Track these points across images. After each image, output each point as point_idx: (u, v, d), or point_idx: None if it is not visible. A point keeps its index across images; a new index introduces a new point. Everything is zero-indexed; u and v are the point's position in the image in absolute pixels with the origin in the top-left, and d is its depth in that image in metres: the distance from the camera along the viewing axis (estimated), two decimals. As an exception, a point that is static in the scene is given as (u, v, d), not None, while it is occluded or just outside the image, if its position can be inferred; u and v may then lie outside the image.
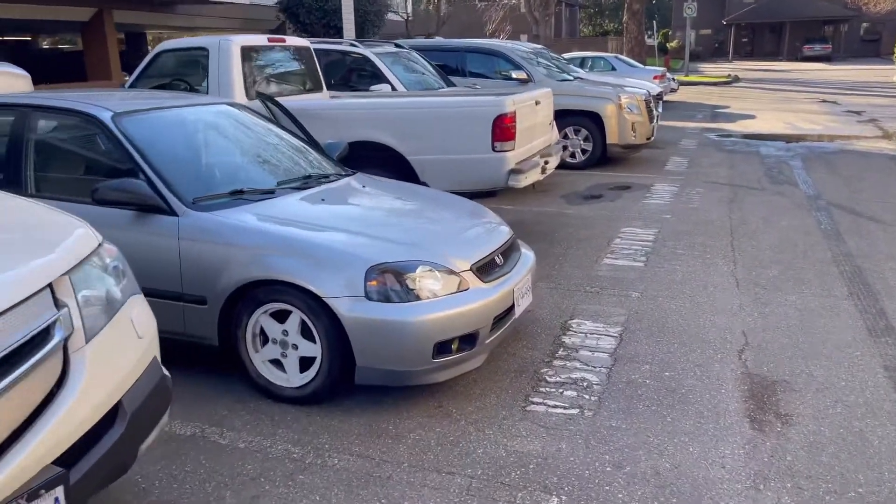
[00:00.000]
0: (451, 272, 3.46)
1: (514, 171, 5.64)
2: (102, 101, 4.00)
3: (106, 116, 3.84)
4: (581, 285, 5.21)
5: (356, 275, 3.29)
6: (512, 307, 3.73)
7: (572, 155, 10.40)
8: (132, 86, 6.64)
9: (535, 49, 12.72)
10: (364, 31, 19.57)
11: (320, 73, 7.47)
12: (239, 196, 3.78)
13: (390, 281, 3.31)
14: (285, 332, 3.44)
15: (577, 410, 3.42)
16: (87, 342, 2.00)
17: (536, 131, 6.32)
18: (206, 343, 3.61)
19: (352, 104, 6.03)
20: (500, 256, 3.85)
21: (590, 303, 4.84)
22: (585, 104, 10.16)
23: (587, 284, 5.22)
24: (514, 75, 10.33)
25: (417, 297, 3.33)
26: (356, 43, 8.67)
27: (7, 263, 1.92)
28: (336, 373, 3.38)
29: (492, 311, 3.54)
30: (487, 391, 3.62)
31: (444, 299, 3.38)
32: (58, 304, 1.97)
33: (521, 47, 11.36)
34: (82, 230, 2.27)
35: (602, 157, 10.34)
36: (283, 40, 6.96)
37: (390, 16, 22.60)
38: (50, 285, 1.97)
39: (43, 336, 1.89)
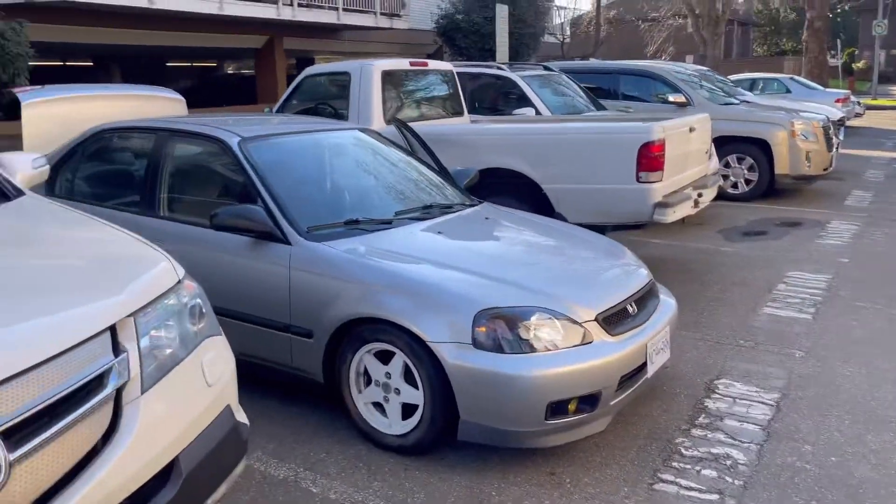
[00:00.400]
0: (573, 322, 3.06)
1: (661, 205, 5.11)
2: (233, 127, 4.00)
3: (234, 142, 3.83)
4: (733, 337, 4.58)
5: (464, 319, 2.99)
6: (644, 365, 3.27)
7: (734, 185, 9.53)
8: (280, 110, 6.80)
9: (697, 70, 11.92)
10: (519, 54, 19.44)
11: (462, 98, 7.30)
12: (354, 226, 3.61)
13: (501, 328, 2.97)
14: (388, 375, 3.20)
15: (717, 496, 2.89)
16: (143, 391, 1.83)
17: (690, 160, 5.74)
18: (310, 378, 3.45)
19: (485, 129, 5.78)
20: (634, 304, 3.40)
21: (742, 360, 4.22)
22: (751, 130, 9.29)
23: (741, 337, 4.58)
24: (671, 98, 9.66)
25: (532, 349, 2.97)
26: (502, 66, 8.45)
27: (69, 301, 1.80)
28: (439, 424, 3.08)
29: (619, 369, 3.10)
30: (609, 460, 3.17)
31: (563, 353, 2.99)
32: (118, 348, 1.82)
33: (680, 69, 10.66)
34: (164, 265, 2.15)
35: (769, 188, 9.38)
36: (426, 64, 6.87)
37: (547, 38, 22.34)
38: (113, 327, 1.83)
39: (96, 384, 1.74)
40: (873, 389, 3.80)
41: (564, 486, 2.98)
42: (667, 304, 3.68)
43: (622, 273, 3.57)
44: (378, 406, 3.28)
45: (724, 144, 9.45)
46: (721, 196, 9.40)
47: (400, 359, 3.13)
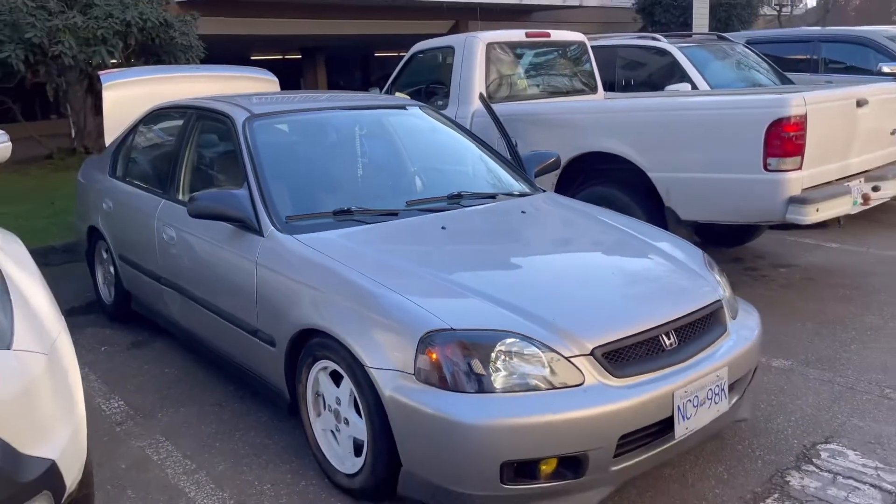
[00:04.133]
0: (556, 354, 2.27)
1: (798, 200, 3.90)
2: (250, 103, 3.63)
3: (241, 117, 3.45)
4: (878, 384, 3.35)
5: (408, 341, 2.32)
6: (670, 421, 2.36)
7: (969, 178, 7.46)
8: (388, 90, 6.40)
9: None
10: (729, 27, 17.39)
11: (596, 72, 6.39)
12: (345, 216, 3.06)
13: (453, 356, 2.26)
14: (338, 401, 2.63)
15: None
16: None
17: (859, 144, 4.38)
18: (278, 391, 2.98)
19: (584, 106, 4.89)
20: (674, 335, 2.48)
21: (876, 418, 3.03)
22: None
23: (891, 384, 3.34)
24: (886, 69, 7.81)
25: (489, 387, 2.23)
26: (659, 37, 7.33)
27: None
28: (381, 471, 2.45)
29: (619, 425, 2.24)
30: (605, 546, 2.32)
31: (530, 397, 2.22)
32: None
33: (906, 32, 8.61)
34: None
35: None
36: (547, 35, 6.06)
37: (768, 10, 19.79)
38: None
39: None
40: None
41: (524, 577, 2.20)
42: (737, 338, 2.68)
43: (664, 293, 2.64)
44: (334, 435, 2.72)
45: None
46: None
47: (348, 383, 2.54)
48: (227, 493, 2.69)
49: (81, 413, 2.04)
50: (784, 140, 3.89)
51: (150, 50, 9.14)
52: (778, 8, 18.65)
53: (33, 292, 2.13)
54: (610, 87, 7.32)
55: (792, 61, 8.75)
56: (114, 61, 8.56)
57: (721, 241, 5.89)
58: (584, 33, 6.58)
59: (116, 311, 4.51)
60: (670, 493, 2.58)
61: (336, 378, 2.63)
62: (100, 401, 3.49)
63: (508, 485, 2.22)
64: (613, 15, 19.65)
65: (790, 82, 7.57)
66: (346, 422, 2.59)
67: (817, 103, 3.96)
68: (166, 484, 2.77)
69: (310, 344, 2.68)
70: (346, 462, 2.64)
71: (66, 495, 1.99)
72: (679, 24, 17.04)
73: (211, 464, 2.89)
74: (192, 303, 3.47)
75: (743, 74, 7.39)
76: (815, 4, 20.82)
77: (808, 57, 8.64)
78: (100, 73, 4.92)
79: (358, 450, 2.58)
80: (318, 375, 2.70)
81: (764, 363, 3.61)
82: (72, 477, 1.98)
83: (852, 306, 4.37)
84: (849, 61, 8.40)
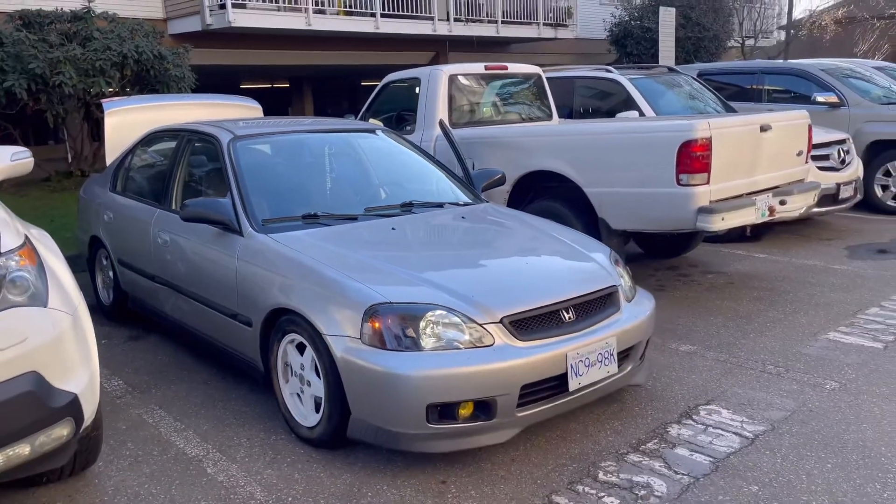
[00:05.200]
0: (472, 321, 2.88)
1: (706, 210, 4.55)
2: (234, 126, 4.26)
3: (225, 139, 4.07)
4: (763, 362, 3.97)
5: (356, 313, 2.92)
6: (564, 377, 2.97)
7: (895, 197, 8.20)
8: (362, 116, 7.06)
9: (877, 66, 10.45)
10: (696, 58, 18.30)
11: (551, 101, 7.07)
12: (312, 220, 3.68)
13: (392, 324, 2.86)
14: (302, 367, 3.22)
15: (597, 528, 2.54)
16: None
17: (764, 163, 5.05)
18: (255, 365, 3.56)
19: (528, 130, 5.54)
20: (572, 311, 3.10)
21: (753, 387, 3.65)
22: (914, 132, 7.93)
23: (774, 363, 3.96)
24: (820, 99, 8.57)
25: (418, 347, 2.83)
26: (611, 69, 8.04)
27: None
28: (336, 420, 3.03)
29: (520, 376, 2.85)
30: (513, 476, 2.91)
31: (451, 354, 2.82)
32: None
33: (842, 65, 9.38)
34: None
35: (941, 200, 7.96)
36: (505, 67, 6.75)
37: (754, 41, 20.73)
38: None
39: None
40: (897, 434, 3.10)
41: (446, 497, 2.79)
42: (626, 315, 3.30)
43: (567, 277, 3.26)
44: (299, 397, 3.31)
45: (884, 150, 8.20)
46: (878, 209, 8.19)
47: (310, 351, 3.14)
48: (210, 444, 3.26)
49: (96, 363, 2.63)
50: (693, 159, 4.55)
51: (145, 80, 9.78)
52: (741, 40, 19.57)
53: (61, 272, 2.72)
54: (568, 114, 8.04)
55: (739, 91, 9.50)
56: (111, 90, 9.20)
57: (662, 252, 6.56)
58: (559, 64, 7.28)
59: (115, 310, 5.08)
60: (573, 440, 3.17)
61: (301, 349, 3.22)
62: (102, 380, 4.05)
63: (433, 424, 2.81)
64: (588, 46, 20.52)
65: (733, 111, 8.28)
66: (309, 384, 3.18)
67: (721, 128, 4.64)
68: (159, 439, 3.34)
69: (280, 321, 3.28)
70: (308, 418, 3.23)
71: (83, 426, 2.57)
72: (650, 55, 17.90)
73: (197, 424, 3.47)
74: (183, 296, 4.06)
75: (689, 104, 8.10)
76: (781, 38, 21.83)
77: (753, 87, 9.38)
78: (102, 101, 5.55)
79: (318, 407, 3.16)
80: (287, 347, 3.30)
81: (673, 348, 4.23)
82: (89, 411, 2.56)
83: (761, 304, 5.01)
84: (790, 91, 9.15)
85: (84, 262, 5.52)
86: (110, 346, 4.63)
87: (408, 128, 6.43)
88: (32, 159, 3.53)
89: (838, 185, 7.07)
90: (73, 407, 2.45)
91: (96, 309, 5.33)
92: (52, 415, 2.37)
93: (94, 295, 5.37)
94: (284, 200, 3.89)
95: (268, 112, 6.17)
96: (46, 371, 2.37)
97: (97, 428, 2.87)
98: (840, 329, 4.44)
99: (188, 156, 4.43)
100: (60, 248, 2.93)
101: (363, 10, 13.99)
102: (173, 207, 4.32)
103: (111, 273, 5.02)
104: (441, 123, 5.47)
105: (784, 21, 22.89)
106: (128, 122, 5.46)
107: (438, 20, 15.21)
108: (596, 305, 3.23)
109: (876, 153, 8.28)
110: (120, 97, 5.63)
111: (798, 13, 30.88)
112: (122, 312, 5.04)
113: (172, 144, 4.62)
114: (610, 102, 7.95)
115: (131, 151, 5.05)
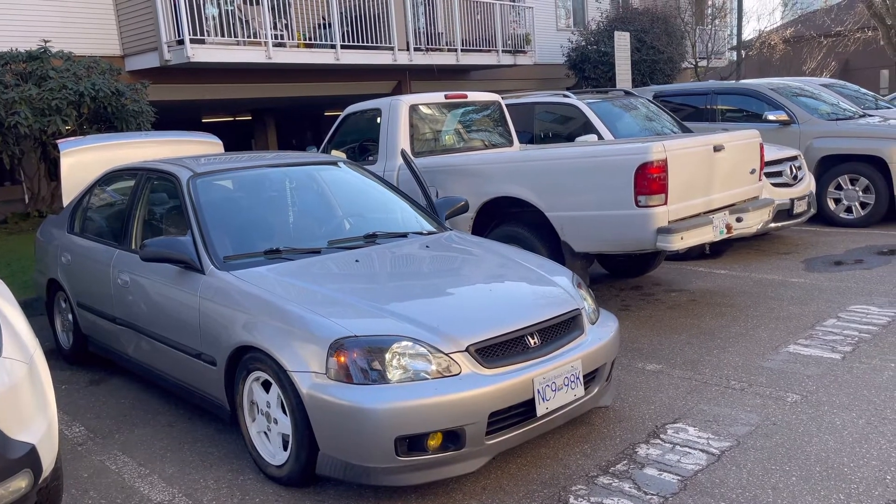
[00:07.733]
0: (437, 351, 2.88)
1: (665, 231, 4.64)
2: (193, 163, 4.23)
3: (185, 177, 4.05)
4: (726, 378, 4.03)
5: (320, 348, 2.91)
6: (531, 402, 2.98)
7: (847, 210, 8.44)
8: (325, 148, 7.07)
9: (824, 83, 10.81)
10: (653, 80, 18.74)
11: (511, 128, 7.17)
12: (274, 255, 3.66)
13: (358, 357, 2.85)
14: (268, 404, 3.18)
15: (569, 554, 2.54)
16: None
17: (718, 182, 5.18)
18: (220, 405, 3.51)
19: (487, 157, 5.60)
20: (537, 336, 3.12)
21: (718, 403, 3.70)
22: (865, 147, 8.21)
23: (737, 378, 4.02)
24: (771, 117, 8.82)
25: (384, 379, 2.82)
26: (568, 94, 8.19)
27: None
28: (304, 457, 3.00)
29: (488, 404, 2.85)
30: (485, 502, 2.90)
31: (417, 385, 2.81)
32: None
33: (791, 83, 9.68)
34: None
35: (889, 212, 8.20)
36: (464, 96, 6.83)
37: (716, 62, 21.28)
38: None
39: None
40: (857, 444, 3.16)
41: (417, 530, 2.77)
42: (590, 338, 3.33)
43: (531, 302, 3.29)
44: (266, 435, 3.27)
45: (834, 164, 8.45)
46: (832, 222, 8.42)
47: (276, 388, 3.11)
48: (176, 489, 3.20)
49: (53, 411, 2.57)
50: (650, 181, 4.64)
51: (103, 117, 9.67)
52: (695, 62, 20.08)
53: (16, 319, 2.66)
54: (529, 140, 8.16)
55: (694, 112, 9.74)
56: (68, 128, 9.08)
57: (625, 272, 6.65)
58: (520, 89, 7.40)
59: (74, 354, 4.97)
60: (543, 465, 3.18)
61: (266, 386, 3.19)
62: (62, 427, 3.95)
63: (402, 457, 2.80)
64: (548, 71, 20.86)
65: (689, 131, 8.48)
66: (276, 421, 3.14)
67: (676, 149, 4.74)
68: (123, 486, 3.26)
69: (244, 359, 3.25)
70: (276, 456, 3.18)
71: (42, 477, 2.50)
72: (607, 78, 18.29)
73: (162, 469, 3.40)
74: (145, 337, 4.00)
75: (646, 125, 8.28)
76: (733, 59, 22.49)
77: (707, 107, 9.63)
78: (57, 141, 5.48)
79: (285, 445, 3.13)
80: (252, 385, 3.26)
81: (640, 367, 4.27)
82: (48, 461, 2.50)
83: (723, 320, 5.10)
84: (742, 110, 9.41)
85: (42, 306, 5.41)
86: (70, 391, 4.52)
87: (370, 158, 6.46)
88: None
89: (792, 200, 7.25)
90: (30, 457, 2.38)
91: (56, 353, 5.23)
92: (8, 466, 2.31)
93: (53, 339, 5.26)
94: (246, 236, 3.86)
95: (231, 146, 6.15)
96: (2, 422, 2.31)
97: (57, 478, 2.79)
98: (799, 342, 4.53)
99: (147, 194, 4.39)
100: (19, 291, 2.89)
101: (323, 42, 14.05)
102: (133, 247, 4.27)
103: (70, 316, 4.93)
104: (403, 153, 5.50)
105: (735, 42, 23.65)
106: (84, 161, 5.40)
107: (399, 50, 15.33)
108: (560, 329, 3.26)
109: (826, 168, 8.53)
110: (76, 137, 5.57)
111: (748, 34, 31.88)
112: (82, 356, 4.94)
113: (131, 183, 4.58)
114: (569, 127, 8.09)
115: (89, 191, 4.99)
